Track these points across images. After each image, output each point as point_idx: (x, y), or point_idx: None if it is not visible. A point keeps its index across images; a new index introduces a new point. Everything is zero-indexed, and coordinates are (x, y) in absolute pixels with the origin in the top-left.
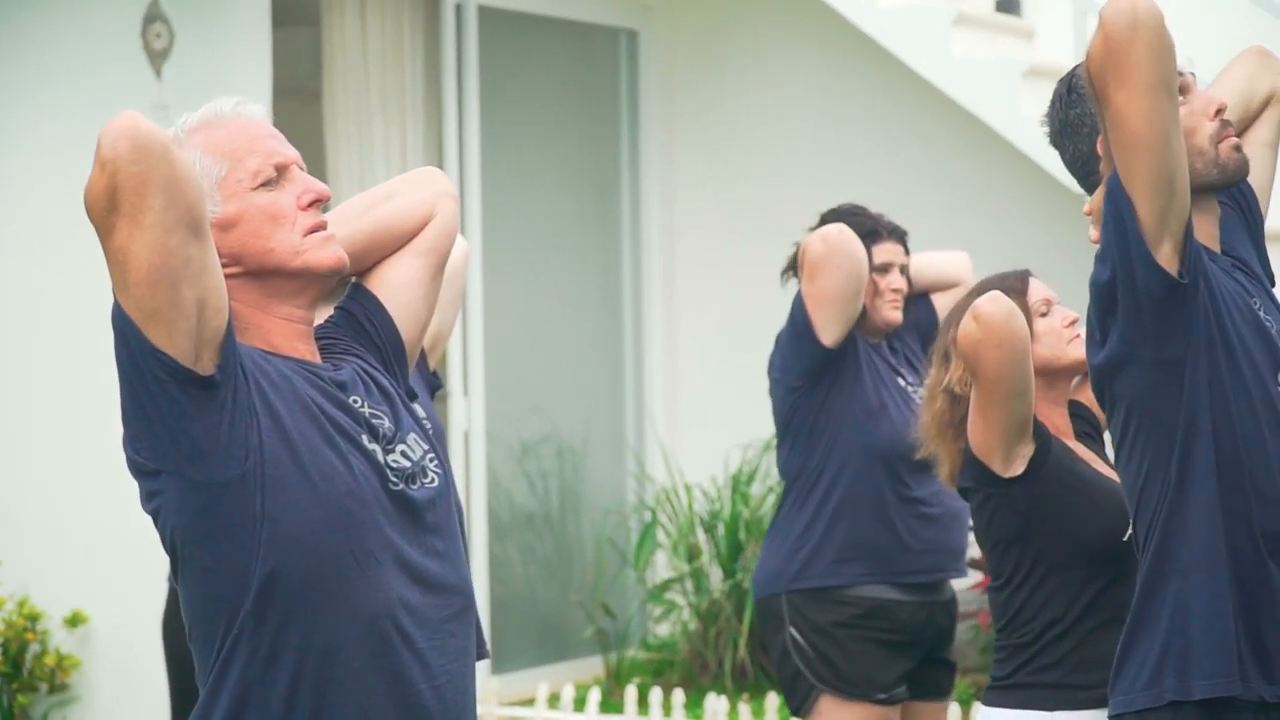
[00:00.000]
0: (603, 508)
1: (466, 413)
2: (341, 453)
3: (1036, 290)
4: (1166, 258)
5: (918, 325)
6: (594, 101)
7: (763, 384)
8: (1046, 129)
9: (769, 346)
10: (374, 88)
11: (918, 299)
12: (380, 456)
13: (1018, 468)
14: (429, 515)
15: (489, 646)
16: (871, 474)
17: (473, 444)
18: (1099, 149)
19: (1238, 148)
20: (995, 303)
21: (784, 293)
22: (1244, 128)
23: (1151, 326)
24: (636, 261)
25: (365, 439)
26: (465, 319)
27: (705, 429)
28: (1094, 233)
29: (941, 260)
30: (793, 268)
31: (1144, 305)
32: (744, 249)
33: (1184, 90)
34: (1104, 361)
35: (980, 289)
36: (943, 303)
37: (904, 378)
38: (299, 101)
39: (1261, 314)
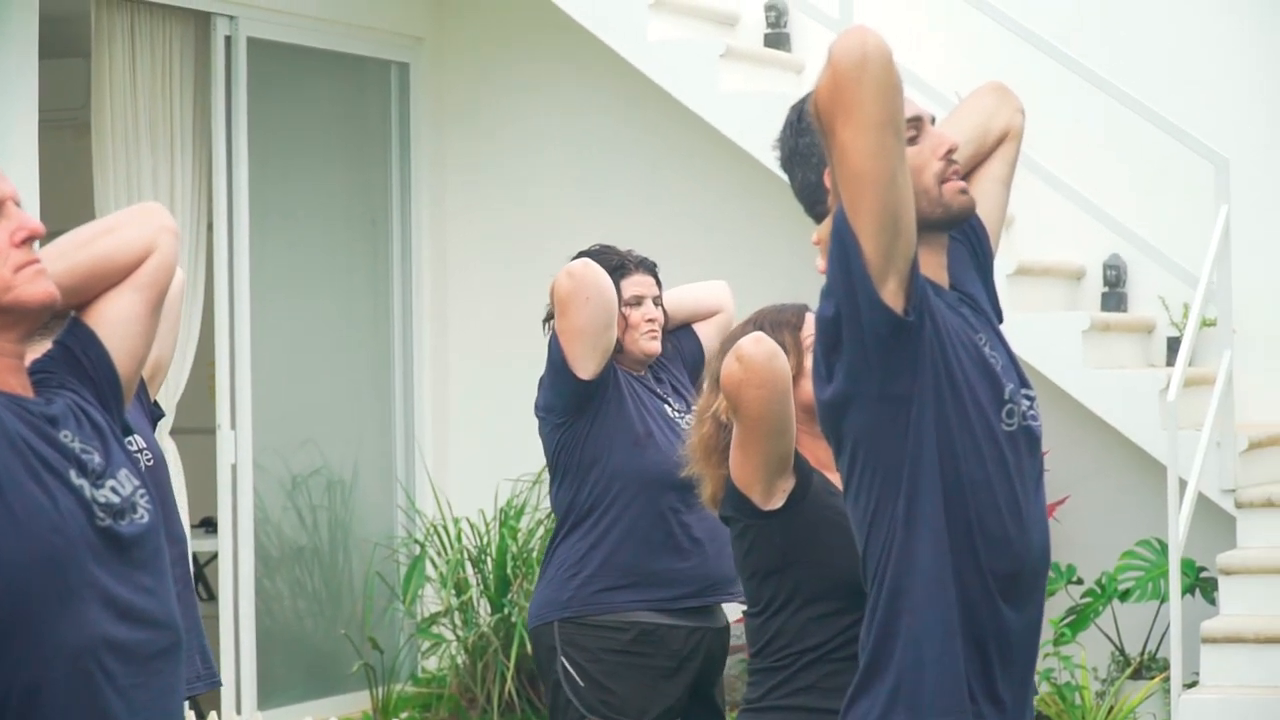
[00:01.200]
0: (372, 541)
1: (234, 446)
2: (47, 489)
3: (811, 324)
4: (891, 295)
5: (683, 354)
6: (365, 133)
7: (531, 417)
8: (777, 154)
9: (538, 379)
10: (143, 119)
11: (681, 329)
12: (88, 492)
13: (777, 501)
14: (137, 551)
15: (223, 677)
16: (641, 502)
17: (240, 477)
18: (827, 181)
19: (963, 190)
20: (758, 344)
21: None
22: (979, 162)
23: (877, 363)
24: (406, 294)
25: (73, 474)
26: (233, 351)
27: (474, 463)
28: (820, 263)
29: (699, 290)
30: (550, 316)
31: (869, 342)
32: (514, 282)
33: (918, 128)
34: (830, 398)
35: (758, 319)
36: (707, 331)
37: (671, 405)
38: (68, 133)
39: (987, 350)
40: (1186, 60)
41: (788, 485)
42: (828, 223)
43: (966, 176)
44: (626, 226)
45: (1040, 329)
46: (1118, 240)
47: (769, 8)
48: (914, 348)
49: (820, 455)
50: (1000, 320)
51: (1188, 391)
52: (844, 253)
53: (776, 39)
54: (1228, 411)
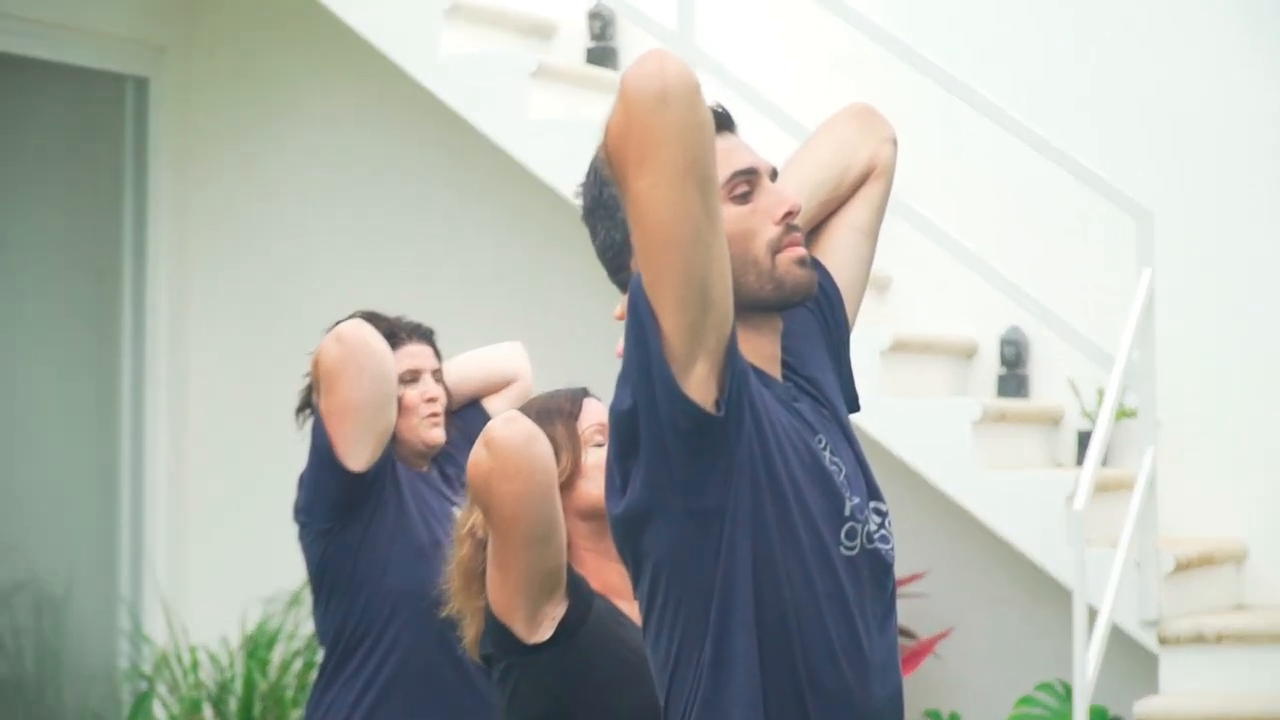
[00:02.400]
0: (88, 674)
1: None
2: None
3: (592, 413)
4: (698, 384)
5: (470, 438)
6: (91, 165)
7: (290, 522)
8: (580, 203)
9: (298, 475)
10: None
11: (469, 408)
12: None
13: (544, 631)
14: None
15: None
16: (425, 628)
17: None
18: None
19: (803, 261)
20: (510, 425)
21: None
22: (836, 207)
23: (681, 469)
24: (139, 367)
25: None
26: None
27: (216, 579)
28: (621, 344)
29: (487, 356)
30: (308, 401)
31: (671, 442)
32: (272, 353)
33: (750, 183)
34: (625, 511)
35: (525, 408)
36: (500, 407)
37: (460, 507)
38: None
39: (827, 456)
40: (1101, 100)
41: (557, 611)
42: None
43: (820, 225)
44: (416, 285)
45: (921, 418)
46: (1018, 310)
47: (593, 16)
48: (727, 451)
49: (610, 579)
50: (855, 407)
51: (1101, 498)
52: (641, 330)
53: (602, 54)
54: (1150, 524)
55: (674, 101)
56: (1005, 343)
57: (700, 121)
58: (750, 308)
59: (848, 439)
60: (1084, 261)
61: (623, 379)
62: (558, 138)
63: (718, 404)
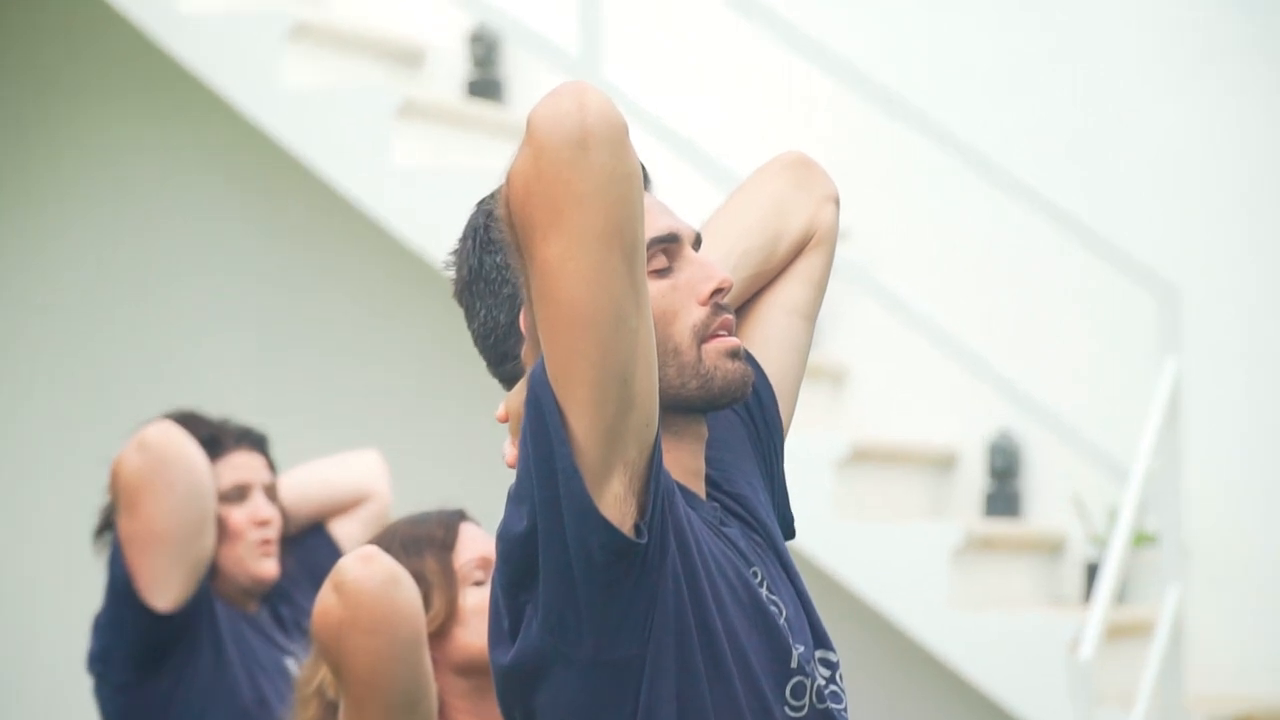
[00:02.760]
0: None
1: None
2: None
3: (472, 543)
4: (615, 504)
5: (313, 572)
6: None
7: (83, 673)
8: (451, 276)
9: (93, 618)
10: None
11: (310, 533)
12: None
13: None
14: None
15: None
16: None
17: None
18: (523, 324)
19: (736, 352)
20: (368, 564)
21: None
22: (766, 282)
23: (590, 609)
24: None
25: None
26: None
27: None
28: (508, 451)
29: (335, 468)
30: (109, 522)
31: (579, 574)
32: (49, 461)
33: (670, 253)
34: (516, 662)
35: (386, 536)
36: (349, 531)
37: (297, 659)
38: None
39: (765, 592)
40: (1114, 157)
41: None
42: (520, 390)
43: (747, 305)
44: (238, 373)
45: (886, 546)
46: (1009, 409)
47: (474, 40)
48: (648, 587)
49: None
50: (790, 534)
51: (1114, 645)
52: (543, 433)
53: (484, 86)
54: (1175, 678)
55: (596, 148)
56: (993, 450)
57: (628, 173)
58: (669, 409)
59: (787, 572)
60: (1092, 350)
61: (516, 496)
62: (428, 190)
63: (638, 528)
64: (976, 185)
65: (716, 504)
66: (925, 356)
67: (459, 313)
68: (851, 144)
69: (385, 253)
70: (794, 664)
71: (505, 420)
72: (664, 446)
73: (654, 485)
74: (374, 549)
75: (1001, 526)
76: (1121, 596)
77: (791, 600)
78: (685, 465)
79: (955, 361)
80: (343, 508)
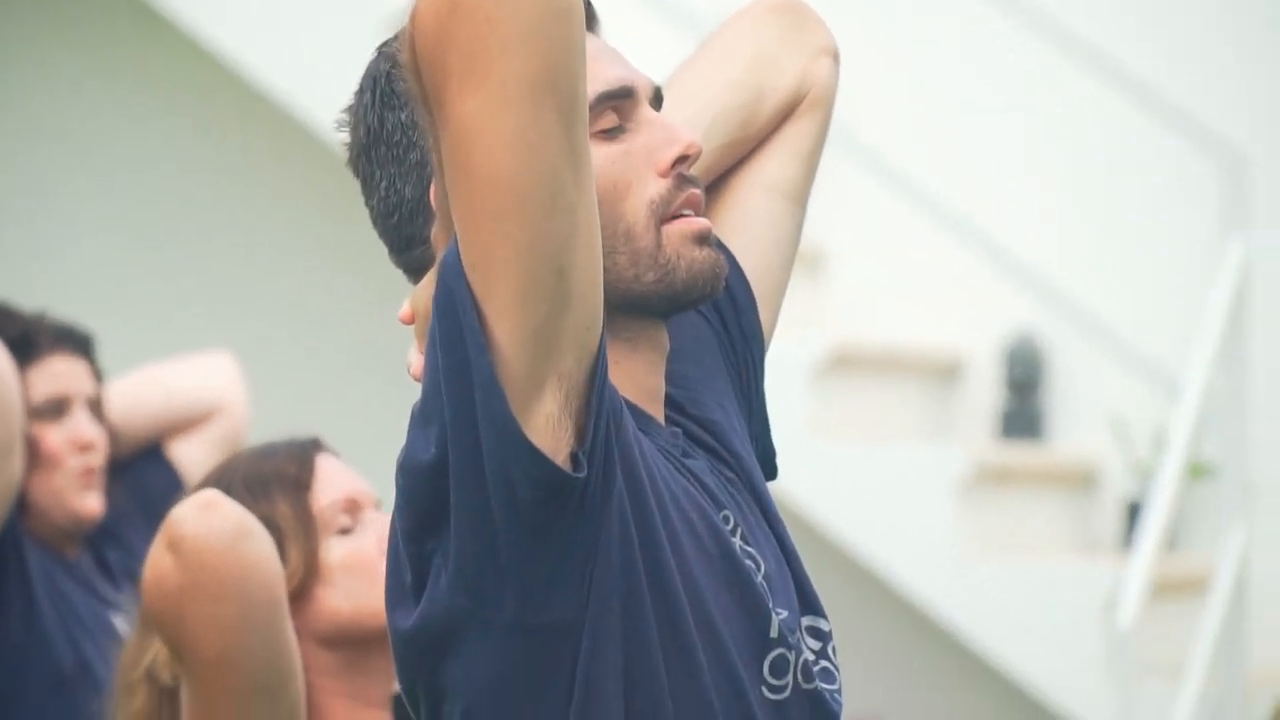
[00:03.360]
0: None
1: None
2: None
3: (332, 481)
4: (547, 428)
5: (147, 505)
6: None
7: None
8: (345, 142)
9: None
10: None
11: (147, 457)
12: None
13: None
14: None
15: None
16: None
17: None
18: (433, 198)
19: (704, 237)
20: (209, 514)
21: None
22: (745, 152)
23: (513, 562)
24: None
25: None
26: None
27: None
28: (415, 360)
29: (176, 375)
30: None
31: (500, 519)
32: None
33: (622, 110)
34: (420, 625)
35: (225, 471)
36: (193, 455)
37: (126, 613)
38: None
39: (738, 543)
40: (1171, 20)
41: None
42: (430, 282)
43: (721, 181)
44: (133, 259)
45: (874, 476)
46: (1029, 304)
47: None
48: (588, 534)
49: None
50: (773, 473)
51: (1161, 605)
52: (456, 338)
53: None
54: (1236, 647)
55: None
56: (1010, 356)
57: (565, 7)
58: (618, 310)
59: (767, 519)
60: (1137, 230)
61: (422, 416)
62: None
63: (575, 458)
64: (988, 18)
65: (679, 430)
66: (923, 237)
67: (352, 185)
68: None
69: (241, 104)
70: (774, 633)
71: (410, 321)
72: (612, 357)
73: (596, 404)
74: (215, 493)
75: (1020, 453)
76: (1172, 542)
77: (773, 553)
78: (639, 382)
79: (961, 244)
80: (185, 424)
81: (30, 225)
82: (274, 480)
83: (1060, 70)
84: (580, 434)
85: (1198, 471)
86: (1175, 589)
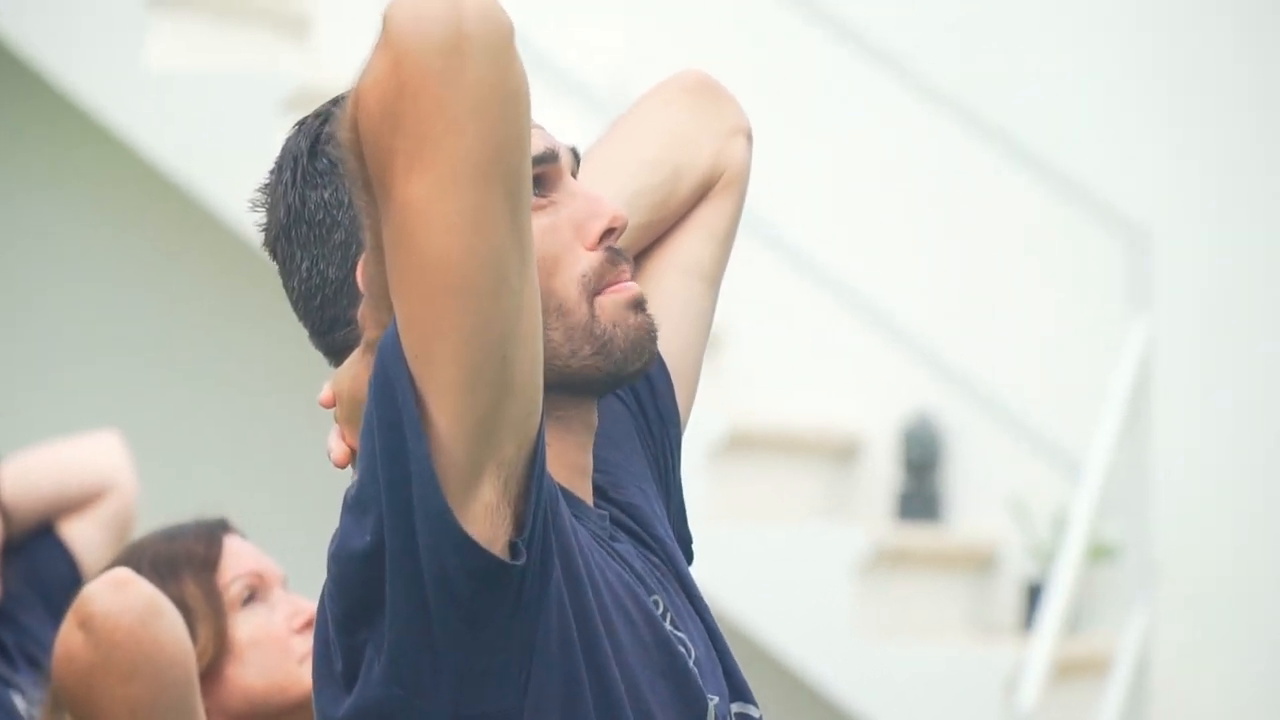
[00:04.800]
0: None
1: None
2: None
3: (237, 558)
4: (485, 516)
5: (41, 586)
6: None
7: None
8: (259, 220)
9: None
10: None
11: (36, 537)
12: None
13: None
14: None
15: None
16: None
17: None
18: (360, 280)
19: (638, 304)
20: (120, 591)
21: None
22: (659, 234)
23: (449, 653)
24: None
25: None
26: None
27: None
28: (336, 446)
29: (65, 453)
30: None
31: (435, 610)
32: None
33: (546, 180)
34: (351, 715)
35: (134, 552)
36: (85, 534)
37: (23, 693)
38: None
39: (669, 628)
40: (1073, 95)
41: None
42: (354, 364)
43: (635, 264)
44: None
45: (770, 558)
46: (929, 385)
47: None
48: (526, 624)
49: None
50: (690, 556)
51: (1063, 686)
52: (394, 424)
53: None
54: None
55: (475, 56)
56: (908, 437)
57: (514, 89)
58: (555, 388)
59: (693, 603)
60: (1038, 309)
61: (357, 503)
62: (190, 100)
63: (513, 547)
64: (897, 98)
65: (605, 513)
66: (821, 315)
67: (268, 268)
68: (735, 37)
69: (147, 183)
70: (710, 717)
71: (331, 405)
72: (550, 441)
73: (535, 492)
74: (127, 572)
75: (918, 534)
76: (1073, 624)
77: (701, 638)
78: (570, 462)
79: (860, 322)
80: (76, 504)
81: None
82: (182, 560)
83: (964, 146)
84: (519, 522)
85: (1099, 552)
86: (1077, 670)
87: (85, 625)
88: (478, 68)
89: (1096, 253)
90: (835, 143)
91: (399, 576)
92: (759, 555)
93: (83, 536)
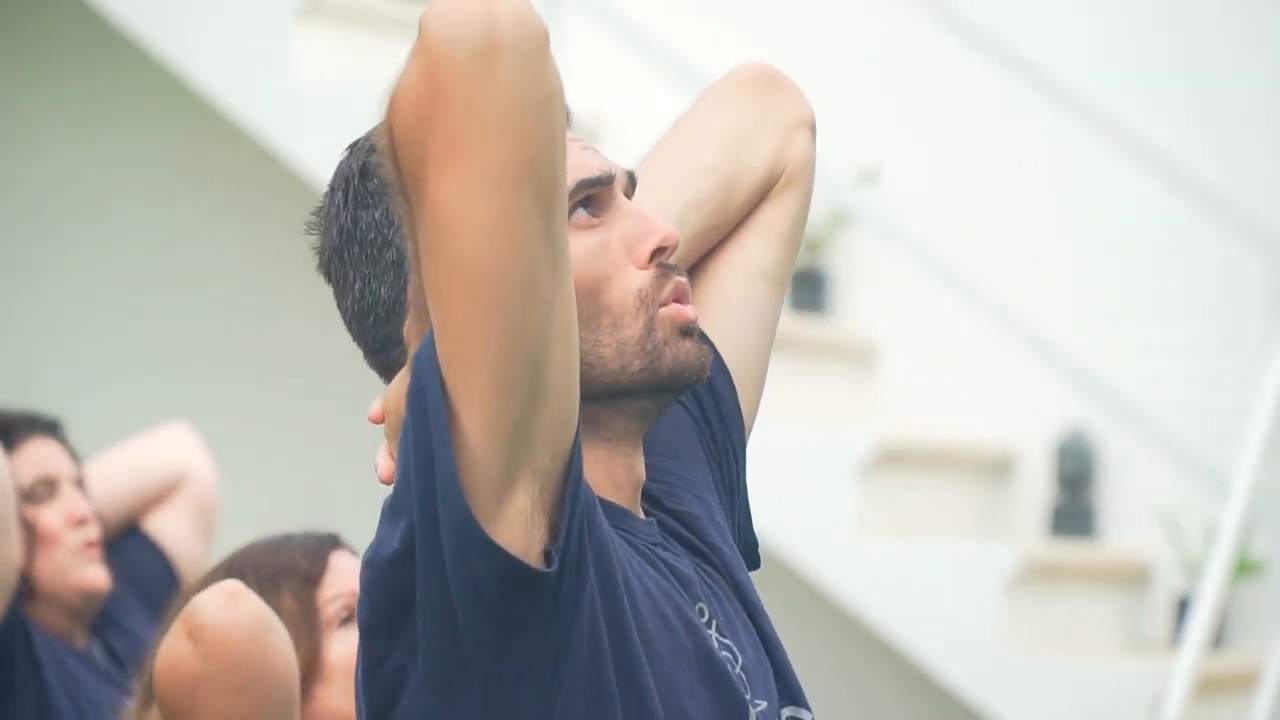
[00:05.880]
0: None
1: None
2: None
3: (342, 577)
4: (517, 525)
5: (138, 585)
6: None
7: None
8: (315, 239)
9: None
10: None
11: (128, 537)
12: None
13: None
14: None
15: None
16: None
17: None
18: (410, 295)
19: (690, 328)
20: (233, 605)
21: None
22: (721, 237)
23: (479, 660)
24: None
25: None
26: None
27: None
28: (383, 462)
29: (141, 451)
30: None
31: (463, 615)
32: None
33: (598, 201)
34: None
35: (236, 562)
36: (172, 527)
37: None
38: None
39: (713, 634)
40: (1223, 115)
41: None
42: (402, 380)
43: (697, 268)
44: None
45: (922, 575)
46: (1082, 402)
47: None
48: (558, 633)
49: None
50: (755, 562)
51: (1209, 701)
52: (424, 430)
53: None
54: None
55: (507, 60)
56: (1062, 453)
57: (547, 94)
58: (604, 403)
59: (748, 610)
60: (1189, 328)
61: (392, 511)
62: (336, 111)
63: (548, 556)
64: (1045, 116)
65: (653, 521)
66: (974, 332)
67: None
68: (882, 57)
69: (287, 192)
70: None
71: (380, 420)
72: (591, 455)
73: (570, 501)
74: (239, 584)
75: (1071, 550)
76: (1219, 639)
77: (753, 644)
78: (617, 479)
79: (1012, 340)
80: (155, 499)
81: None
82: (285, 573)
83: (1113, 167)
84: (553, 530)
85: (1246, 568)
86: (1224, 685)
87: (195, 636)
88: (510, 71)
89: (1244, 270)
90: (987, 161)
91: (429, 585)
92: (910, 570)
93: (167, 529)
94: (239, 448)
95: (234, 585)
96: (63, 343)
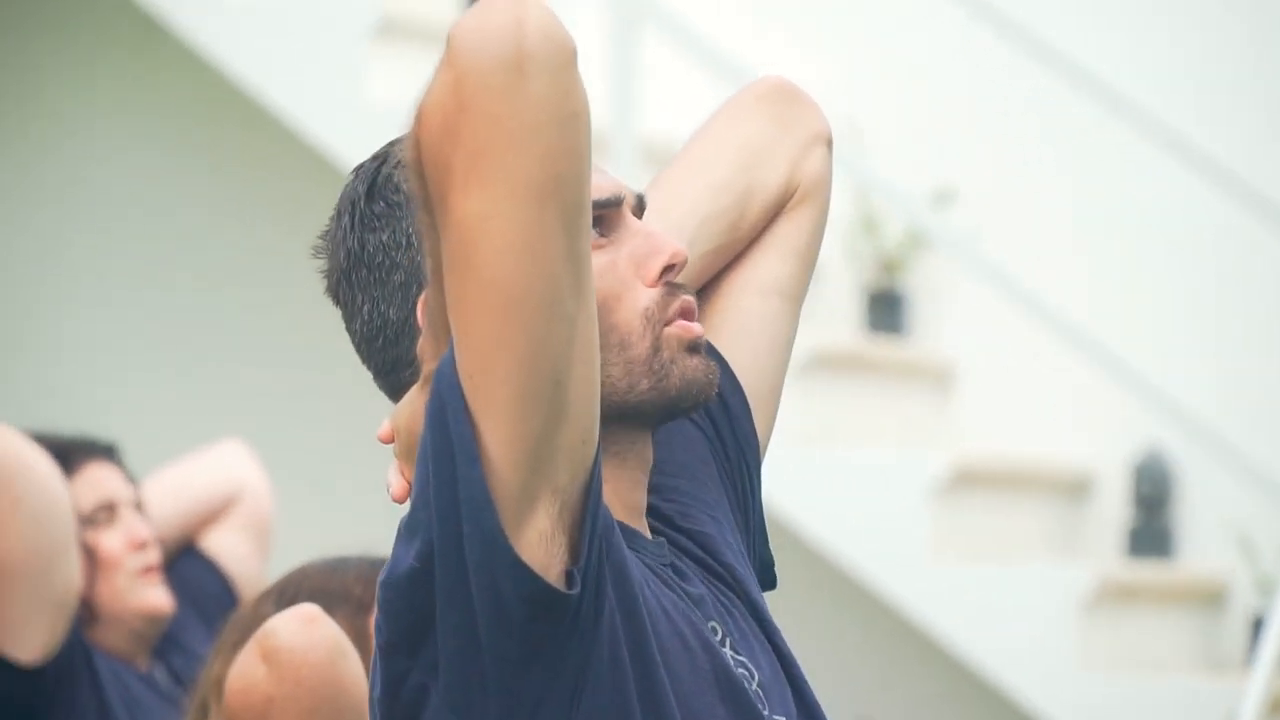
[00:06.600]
0: None
1: None
2: None
3: None
4: (541, 544)
5: (197, 604)
6: None
7: None
8: (322, 262)
9: None
10: None
11: (185, 556)
12: None
13: None
14: None
15: None
16: None
17: None
18: (420, 317)
19: (695, 345)
20: (309, 630)
21: None
22: (735, 255)
23: (500, 681)
24: None
25: None
26: None
27: None
28: (395, 481)
29: (195, 470)
30: None
31: (485, 637)
32: None
33: (607, 221)
34: None
35: (290, 585)
36: (230, 546)
37: None
38: None
39: (728, 652)
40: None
41: None
42: (413, 399)
43: (710, 286)
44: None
45: (998, 596)
46: (1160, 423)
47: None
48: (578, 653)
49: None
50: (771, 582)
51: None
52: (446, 448)
53: None
54: None
55: (536, 75)
56: (1139, 473)
57: (574, 111)
58: (612, 422)
59: (763, 628)
60: (1266, 349)
61: (408, 529)
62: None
63: (569, 576)
64: (1118, 140)
65: (663, 540)
66: (1052, 354)
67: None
68: (959, 79)
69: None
70: None
71: (390, 440)
72: (607, 472)
73: (590, 521)
74: (315, 608)
75: (1148, 570)
76: None
77: (769, 661)
78: (624, 498)
79: (1088, 360)
80: (211, 517)
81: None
82: (339, 597)
83: (1189, 189)
84: (574, 551)
85: None
86: None
87: (270, 659)
88: (537, 86)
89: None
90: (1063, 182)
91: (450, 603)
92: (985, 592)
93: (223, 546)
94: (288, 457)
95: (311, 609)
96: (94, 337)
